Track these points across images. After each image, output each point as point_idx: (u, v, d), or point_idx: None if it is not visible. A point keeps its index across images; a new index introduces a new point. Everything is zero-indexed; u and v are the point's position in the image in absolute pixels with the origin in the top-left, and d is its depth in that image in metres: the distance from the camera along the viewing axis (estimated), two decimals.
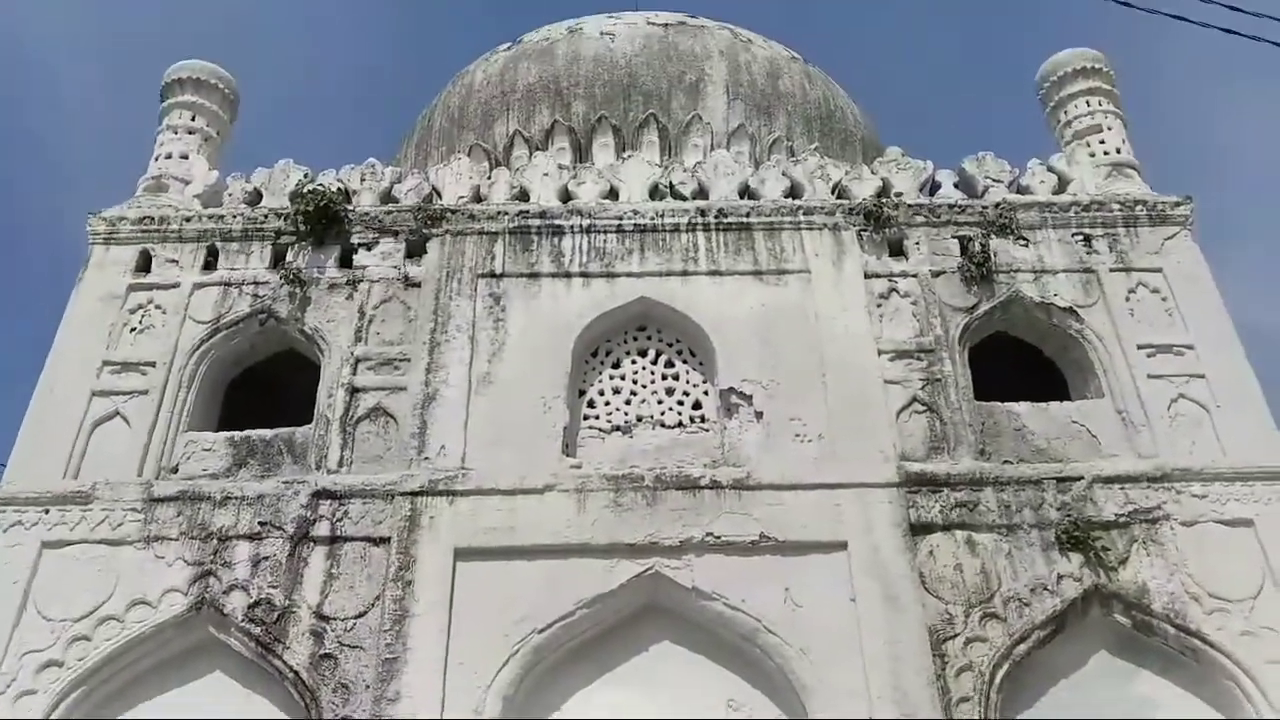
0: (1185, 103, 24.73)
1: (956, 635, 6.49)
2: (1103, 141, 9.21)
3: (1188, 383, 7.60)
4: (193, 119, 9.31)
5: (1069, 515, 6.94)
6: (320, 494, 7.04)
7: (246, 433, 7.54)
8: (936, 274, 8.13)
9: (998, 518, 6.96)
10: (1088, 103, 9.44)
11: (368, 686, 6.30)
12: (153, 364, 7.71)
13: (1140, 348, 7.77)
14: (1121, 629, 6.70)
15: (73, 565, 6.79)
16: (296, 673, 6.37)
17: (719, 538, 6.84)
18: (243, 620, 6.57)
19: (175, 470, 7.34)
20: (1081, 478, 7.11)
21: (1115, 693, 6.54)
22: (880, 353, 7.71)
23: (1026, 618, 6.56)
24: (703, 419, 7.66)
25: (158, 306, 8.04)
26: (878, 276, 8.11)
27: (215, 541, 6.86)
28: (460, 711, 6.19)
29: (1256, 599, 6.65)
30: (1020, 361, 8.26)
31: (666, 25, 11.27)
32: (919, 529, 6.88)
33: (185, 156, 9.09)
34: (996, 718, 6.24)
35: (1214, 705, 6.52)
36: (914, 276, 8.12)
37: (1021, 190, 8.83)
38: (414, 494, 7.01)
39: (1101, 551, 6.79)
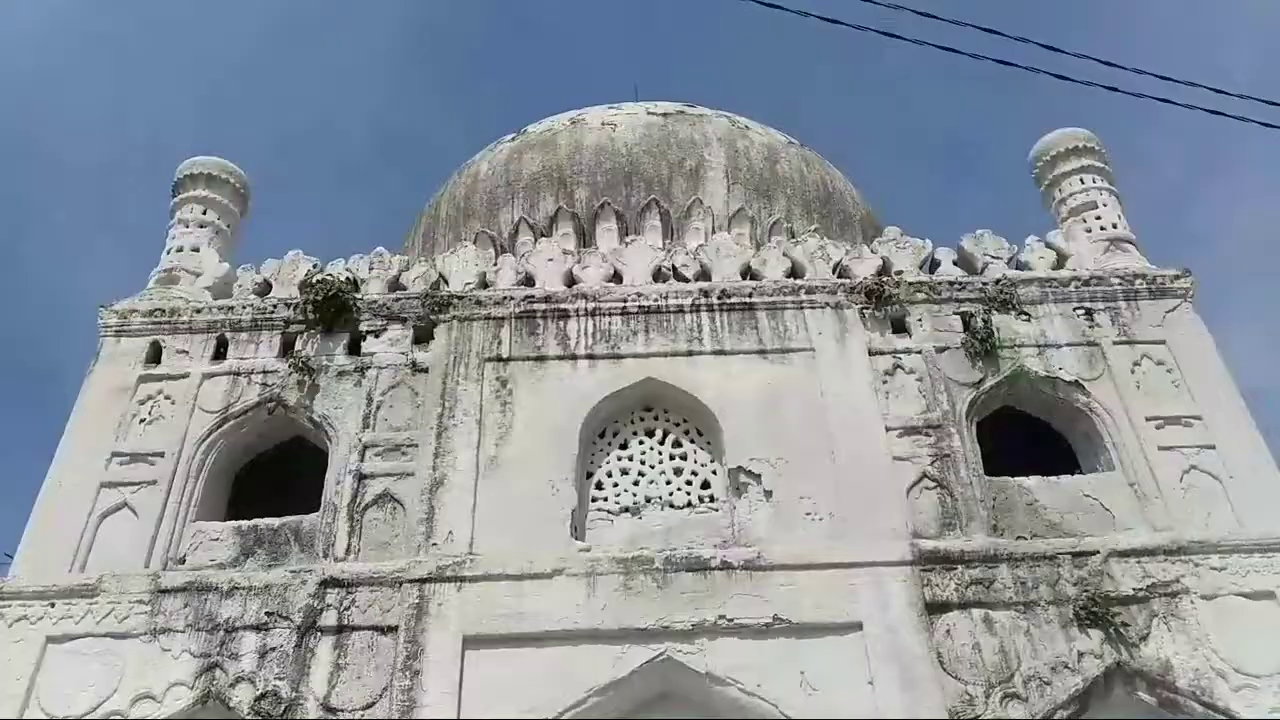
0: (1179, 175, 25.40)
1: (977, 717, 6.41)
2: (1099, 217, 9.47)
3: (1199, 454, 7.66)
4: (204, 213, 9.63)
5: (1086, 591, 6.92)
6: (328, 583, 7.05)
7: (254, 522, 7.58)
8: (940, 350, 8.27)
9: (1014, 595, 6.93)
10: (1081, 180, 9.73)
11: None
12: (161, 454, 7.81)
13: (1149, 420, 7.85)
14: (1147, 707, 6.60)
15: (77, 660, 6.76)
16: None
17: (732, 620, 6.81)
18: (249, 714, 6.51)
19: (183, 561, 7.37)
20: (1097, 552, 7.10)
21: None
22: (888, 429, 7.80)
23: (1048, 697, 6.49)
24: (712, 499, 7.71)
25: (167, 397, 8.18)
26: (882, 353, 8.25)
27: (222, 633, 6.85)
28: None
29: None
30: (1029, 435, 8.33)
31: (666, 114, 11.71)
32: (935, 608, 6.85)
33: (196, 249, 9.37)
34: None
35: None
36: (918, 353, 8.26)
37: (1020, 266, 9.04)
38: (422, 581, 7.02)
39: (1121, 627, 6.75)
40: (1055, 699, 6.48)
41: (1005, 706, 6.45)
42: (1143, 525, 7.33)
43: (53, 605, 6.99)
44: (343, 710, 6.53)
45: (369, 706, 6.53)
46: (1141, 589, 6.94)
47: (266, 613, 6.92)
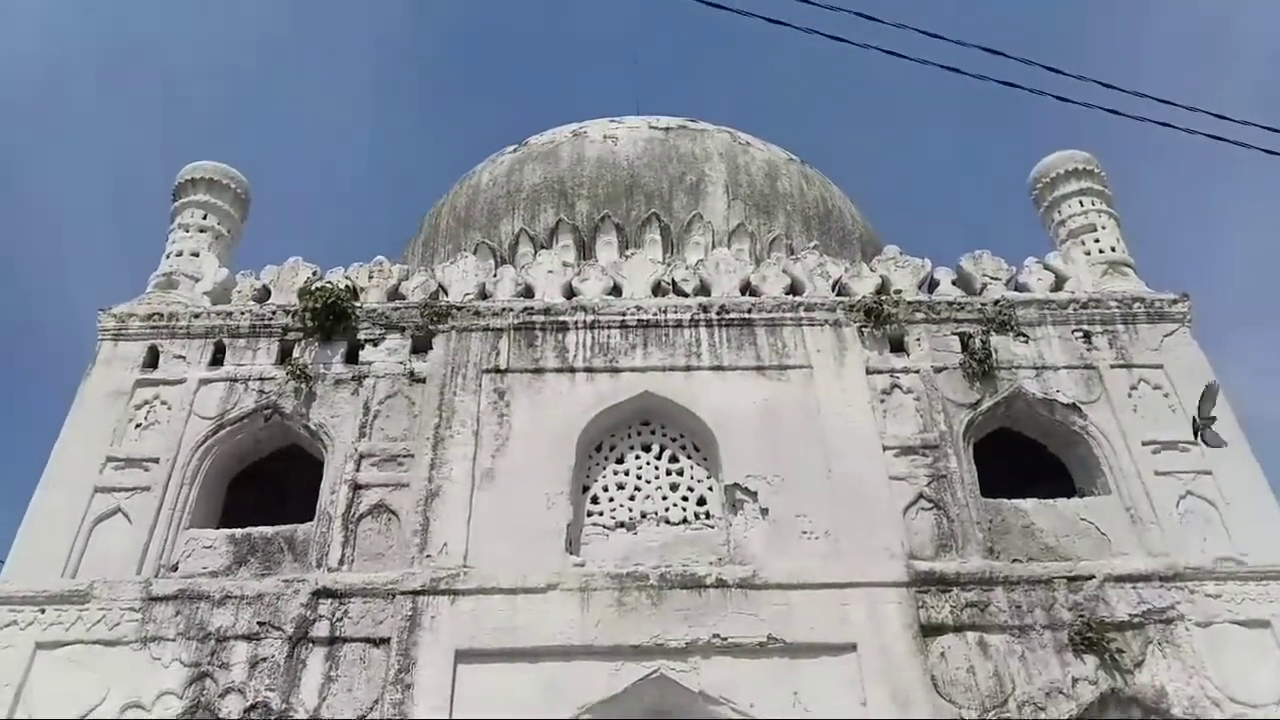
0: (1177, 200, 25.49)
1: None
2: (1097, 240, 9.46)
3: (1195, 479, 7.63)
4: (204, 218, 9.57)
5: (1081, 616, 6.88)
6: (320, 593, 6.99)
7: (248, 530, 7.52)
8: (938, 370, 8.24)
9: (1009, 618, 6.89)
10: (1080, 202, 9.72)
11: None
12: (156, 460, 7.75)
13: (1145, 444, 7.82)
14: None
15: (67, 667, 6.69)
16: None
17: (726, 639, 6.76)
18: None
19: (175, 568, 7.30)
20: (1092, 577, 7.07)
21: None
22: (885, 449, 7.76)
23: None
24: (707, 515, 7.66)
25: (163, 402, 8.12)
26: (880, 372, 8.22)
27: (213, 642, 6.77)
28: None
29: None
30: (1025, 458, 8.29)
31: (668, 129, 11.70)
32: (930, 630, 6.81)
33: (196, 254, 9.31)
34: None
35: None
36: (916, 373, 8.23)
37: (1019, 288, 9.02)
38: (415, 593, 6.96)
39: (1116, 654, 6.70)
40: None
41: None
42: (1139, 550, 7.29)
43: (43, 611, 6.91)
44: None
45: None
46: (1137, 615, 6.90)
47: (258, 622, 6.85)
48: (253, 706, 6.51)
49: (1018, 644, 6.77)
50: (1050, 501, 7.65)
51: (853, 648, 6.70)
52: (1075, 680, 6.61)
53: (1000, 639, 6.79)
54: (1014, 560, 7.21)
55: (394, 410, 8.06)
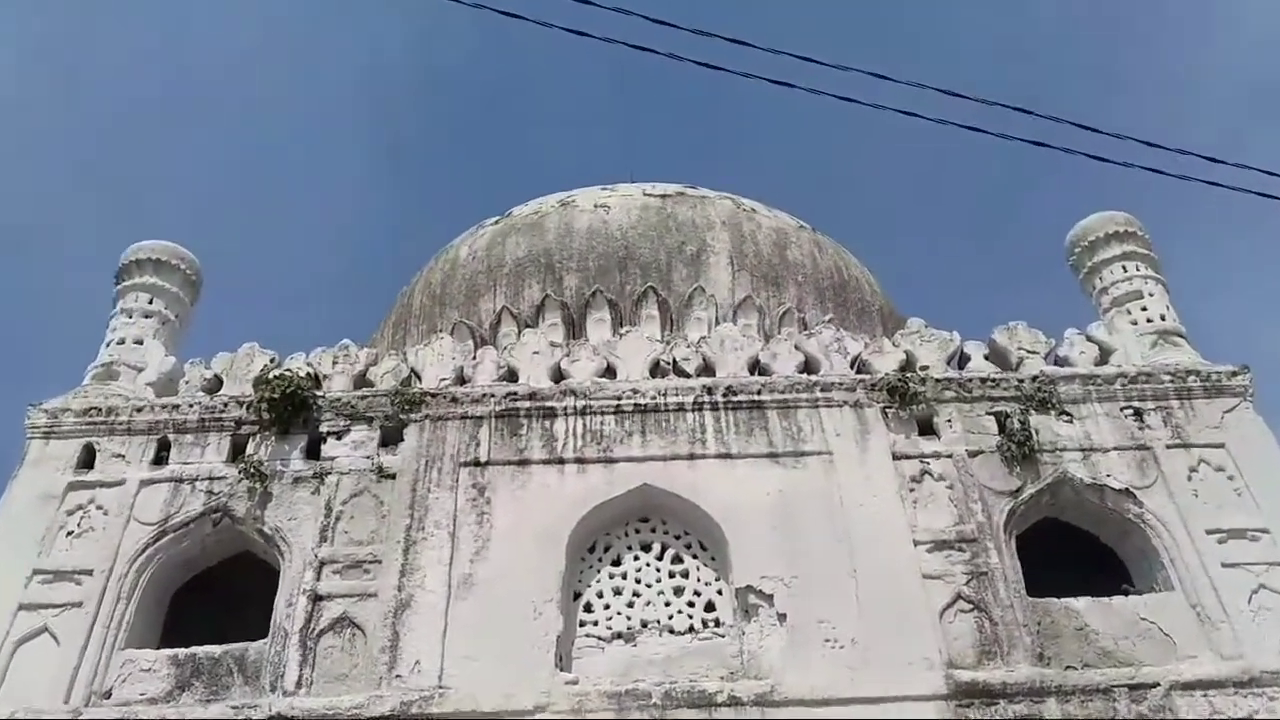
0: (1227, 264, 26.02)
1: None
2: (1144, 308, 9.69)
3: (1267, 571, 7.68)
4: (150, 301, 9.81)
5: None
6: None
7: (192, 650, 7.51)
8: (973, 454, 8.35)
9: None
10: (1124, 268, 9.99)
11: None
12: (89, 572, 7.79)
13: (1209, 533, 7.89)
14: None
15: None
16: None
17: None
18: None
19: (108, 695, 7.27)
20: (1158, 684, 7.05)
21: None
22: (917, 543, 7.82)
23: None
24: (717, 623, 7.67)
25: (99, 507, 8.20)
26: (908, 458, 8.33)
27: None
28: None
29: None
30: (1074, 550, 8.35)
31: (665, 196, 12.07)
32: None
33: (140, 341, 9.53)
34: None
35: None
36: (948, 457, 8.34)
37: (1059, 362, 9.20)
38: (384, 719, 6.93)
39: None
40: None
41: None
42: (1208, 653, 7.29)
43: None
44: None
45: None
46: None
47: None
48: None
49: None
50: (1106, 600, 7.67)
51: None
52: None
53: None
54: (1067, 667, 7.20)
55: (360, 510, 8.14)
